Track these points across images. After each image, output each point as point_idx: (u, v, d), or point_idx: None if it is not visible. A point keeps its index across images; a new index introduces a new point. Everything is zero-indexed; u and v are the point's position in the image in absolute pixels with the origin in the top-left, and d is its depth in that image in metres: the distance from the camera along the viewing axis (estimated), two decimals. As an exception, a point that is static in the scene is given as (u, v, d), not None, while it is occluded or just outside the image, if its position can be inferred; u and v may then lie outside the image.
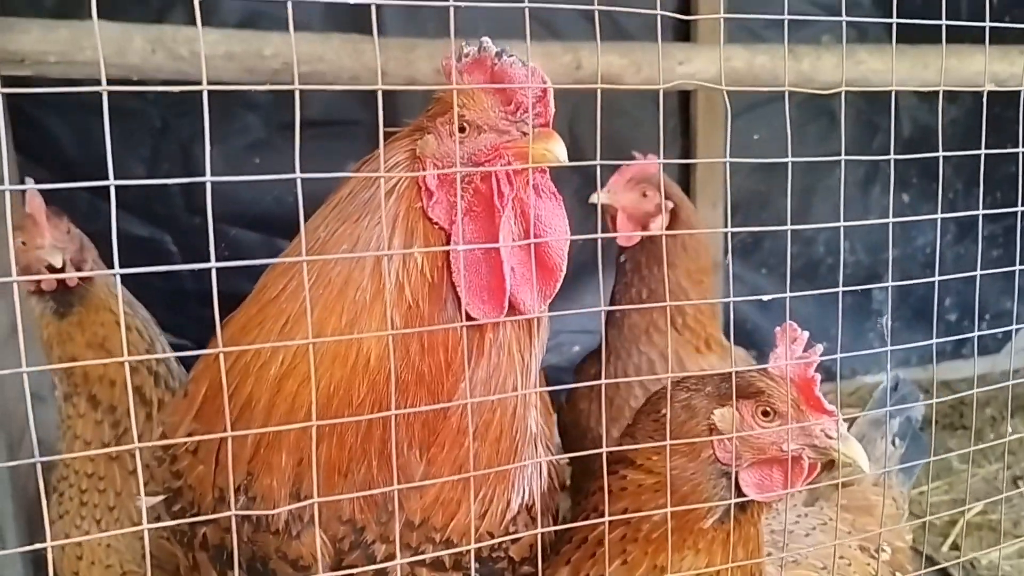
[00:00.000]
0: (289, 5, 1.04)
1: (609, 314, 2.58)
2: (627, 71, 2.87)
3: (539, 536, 1.54)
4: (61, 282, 2.17)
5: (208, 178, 0.97)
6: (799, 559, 1.69)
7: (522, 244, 1.44)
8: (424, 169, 1.46)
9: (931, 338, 1.73)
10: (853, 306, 4.42)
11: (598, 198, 2.24)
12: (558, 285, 1.47)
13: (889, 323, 1.66)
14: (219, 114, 3.75)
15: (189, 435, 1.58)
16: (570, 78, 2.86)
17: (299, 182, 1.03)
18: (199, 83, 0.98)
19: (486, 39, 1.41)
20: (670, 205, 2.50)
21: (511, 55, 1.40)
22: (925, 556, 2.27)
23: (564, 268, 1.46)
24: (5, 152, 0.93)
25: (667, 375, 1.60)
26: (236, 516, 1.21)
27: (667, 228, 2.47)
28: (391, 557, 1.47)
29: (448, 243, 1.45)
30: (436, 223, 1.46)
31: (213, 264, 1.02)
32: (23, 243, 2.14)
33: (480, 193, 1.46)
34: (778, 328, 1.57)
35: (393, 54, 2.75)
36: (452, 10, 1.14)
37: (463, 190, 1.45)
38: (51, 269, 2.14)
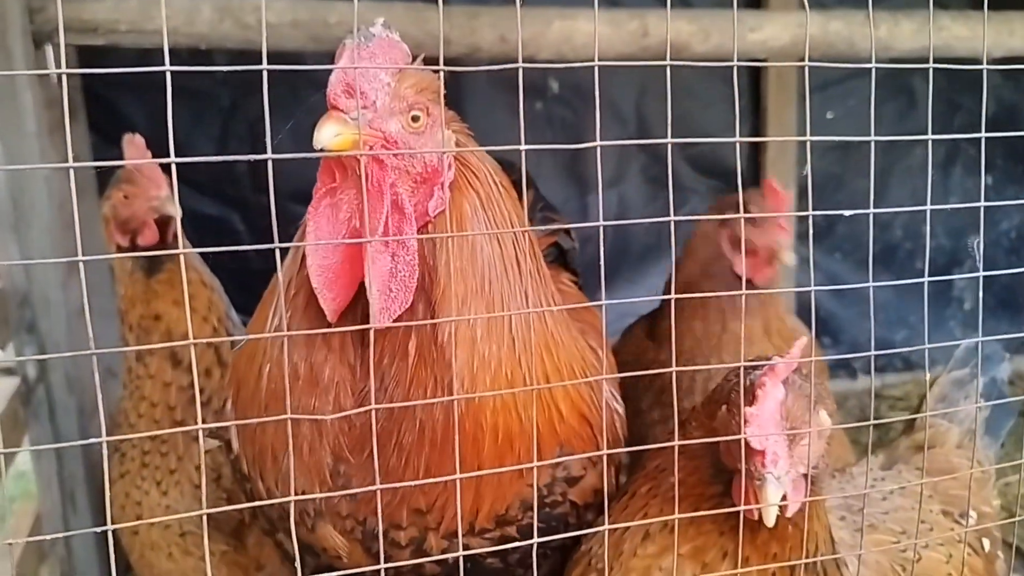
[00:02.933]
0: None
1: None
2: (695, 38, 2.78)
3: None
4: (163, 238, 2.20)
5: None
6: (876, 523, 1.60)
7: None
8: None
9: (1017, 327, 1.63)
10: (933, 293, 4.23)
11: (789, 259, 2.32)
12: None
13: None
14: (288, 93, 3.76)
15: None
16: (637, 46, 2.78)
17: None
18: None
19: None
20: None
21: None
22: (1016, 548, 2.15)
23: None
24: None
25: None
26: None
27: None
28: (412, 538, 1.52)
29: None
30: None
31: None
32: (125, 197, 2.17)
33: None
34: None
35: (457, 22, 2.72)
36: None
37: None
38: (160, 222, 2.17)
